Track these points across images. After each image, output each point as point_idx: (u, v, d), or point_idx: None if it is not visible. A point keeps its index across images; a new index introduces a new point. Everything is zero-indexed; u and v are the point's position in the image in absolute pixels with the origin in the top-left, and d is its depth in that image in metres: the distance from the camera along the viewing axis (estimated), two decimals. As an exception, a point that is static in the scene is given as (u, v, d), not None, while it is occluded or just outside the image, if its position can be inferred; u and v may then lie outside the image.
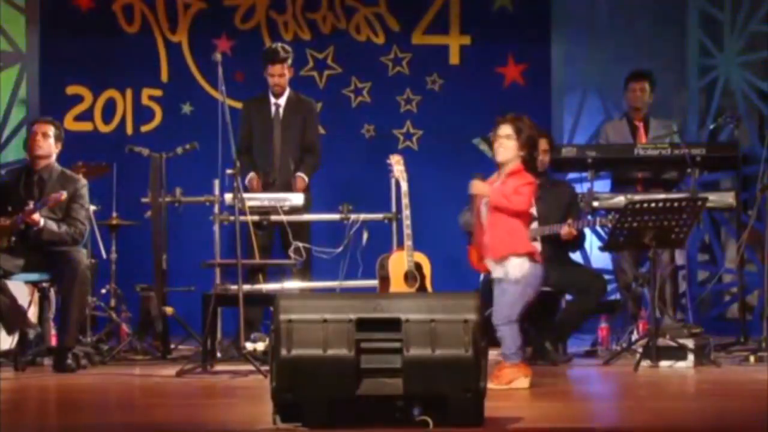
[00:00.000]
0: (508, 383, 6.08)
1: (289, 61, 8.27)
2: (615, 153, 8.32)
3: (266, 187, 8.15)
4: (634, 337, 7.68)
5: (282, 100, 8.33)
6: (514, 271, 6.13)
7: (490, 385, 5.62)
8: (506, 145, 6.19)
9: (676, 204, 7.14)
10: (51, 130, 7.35)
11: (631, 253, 8.19)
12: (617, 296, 8.54)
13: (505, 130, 6.20)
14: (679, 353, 7.08)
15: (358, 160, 9.56)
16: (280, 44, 8.36)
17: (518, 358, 6.17)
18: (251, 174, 8.20)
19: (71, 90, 9.62)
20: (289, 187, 8.06)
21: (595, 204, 8.04)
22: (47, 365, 7.21)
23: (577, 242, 7.71)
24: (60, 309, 7.20)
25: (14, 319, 7.15)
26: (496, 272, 6.21)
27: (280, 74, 8.22)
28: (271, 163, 8.25)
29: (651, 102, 8.67)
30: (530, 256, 6.17)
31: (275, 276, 7.79)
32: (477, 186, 6.30)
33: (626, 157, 8.21)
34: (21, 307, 7.23)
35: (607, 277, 8.15)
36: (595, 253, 9.10)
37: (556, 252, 7.53)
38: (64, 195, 7.13)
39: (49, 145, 7.35)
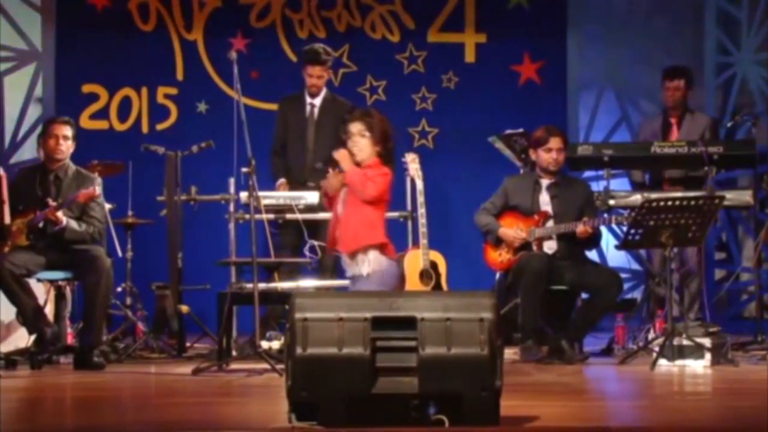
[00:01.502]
0: None
1: (329, 64, 8.29)
2: (632, 151, 8.27)
3: (298, 187, 8.12)
4: (651, 335, 7.65)
5: (318, 101, 8.33)
6: (367, 266, 5.99)
7: None
8: (360, 143, 6.09)
9: (692, 202, 7.10)
10: (69, 131, 7.36)
11: (656, 251, 8.11)
12: (633, 295, 8.49)
13: (357, 127, 6.11)
14: (696, 352, 7.04)
15: (374, 159, 9.51)
16: (322, 46, 8.34)
17: None
18: (281, 180, 8.20)
19: (87, 88, 9.67)
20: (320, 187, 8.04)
21: (612, 202, 8.01)
22: (63, 364, 7.23)
23: (593, 241, 7.65)
24: (85, 307, 7.20)
25: (37, 320, 7.16)
26: (350, 269, 6.07)
27: (318, 76, 8.24)
28: (304, 164, 8.25)
29: (687, 99, 8.61)
30: (383, 248, 6.00)
31: (301, 274, 7.79)
32: (342, 154, 6.16)
33: (643, 156, 8.15)
34: (40, 306, 7.25)
35: (623, 275, 8.10)
36: (611, 252, 9.06)
37: (572, 250, 7.51)
38: (97, 190, 7.16)
39: (68, 147, 7.37)
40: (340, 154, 6.12)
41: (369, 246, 6.00)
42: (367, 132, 6.08)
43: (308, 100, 8.33)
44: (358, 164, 6.23)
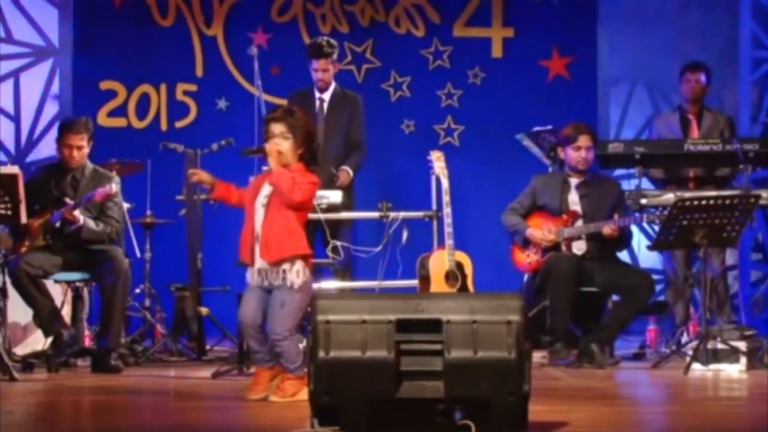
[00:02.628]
0: (292, 396, 5.69)
1: (334, 56, 8.21)
2: (664, 149, 8.16)
3: None
4: (684, 339, 7.59)
5: (327, 95, 8.26)
6: (294, 278, 5.68)
7: (276, 399, 5.59)
8: (283, 146, 5.72)
9: (727, 201, 7.03)
10: (84, 141, 7.32)
11: (682, 252, 8.07)
12: (666, 297, 8.39)
13: (279, 128, 5.73)
14: (731, 356, 6.99)
15: (398, 157, 9.53)
16: (324, 38, 8.29)
17: (302, 371, 5.65)
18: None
19: (105, 85, 9.66)
20: (332, 186, 7.97)
21: (643, 201, 7.93)
22: (81, 367, 7.21)
23: (624, 241, 7.60)
24: (102, 309, 7.19)
25: (53, 322, 7.15)
26: (272, 278, 5.69)
27: (324, 69, 8.16)
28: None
29: (706, 94, 8.54)
30: (307, 259, 5.74)
31: (316, 275, 7.69)
32: (272, 148, 5.72)
33: (676, 153, 8.04)
34: (56, 308, 7.24)
35: (655, 277, 8.03)
36: (643, 252, 9.02)
37: (602, 251, 7.46)
38: (114, 189, 7.14)
39: (82, 155, 7.35)
40: (270, 149, 5.72)
41: (297, 256, 5.72)
42: (290, 134, 5.72)
43: (317, 95, 8.26)
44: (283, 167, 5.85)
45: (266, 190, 5.72)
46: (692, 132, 8.39)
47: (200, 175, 6.00)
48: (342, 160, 8.16)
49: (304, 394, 5.49)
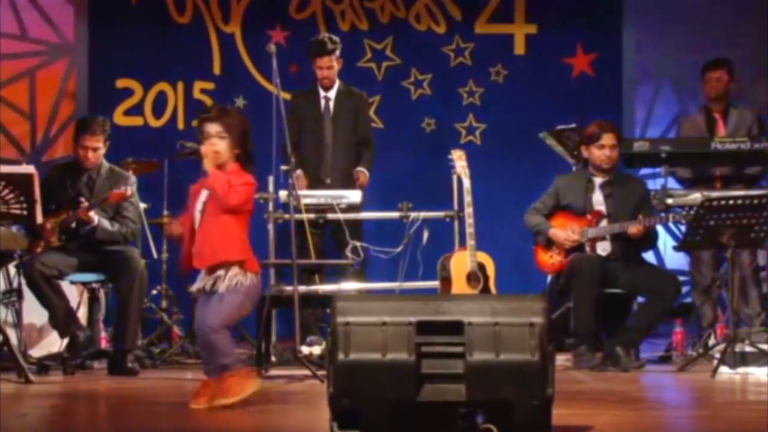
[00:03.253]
0: (240, 394, 5.51)
1: (338, 53, 8.17)
2: (690, 147, 8.12)
3: (315, 186, 8.06)
4: (711, 341, 7.56)
5: (332, 93, 8.23)
6: (225, 283, 5.50)
7: (223, 401, 5.39)
8: (219, 146, 5.56)
9: (756, 201, 6.97)
10: (100, 141, 7.32)
11: (709, 253, 8.02)
12: (693, 299, 8.32)
13: (215, 128, 5.56)
14: (759, 359, 7.00)
15: (418, 156, 9.51)
16: (326, 35, 8.26)
17: (239, 365, 5.57)
18: (298, 171, 8.04)
19: (121, 83, 9.67)
20: (344, 186, 7.95)
21: (669, 201, 7.90)
22: (97, 369, 7.23)
23: (649, 241, 7.56)
24: (118, 310, 7.19)
25: (68, 323, 7.16)
26: (207, 284, 5.53)
27: (328, 66, 8.12)
28: (323, 160, 8.16)
29: (730, 92, 8.48)
30: (243, 265, 5.56)
31: (332, 277, 7.75)
32: (208, 150, 5.56)
33: (702, 152, 7.99)
34: (72, 309, 7.24)
35: (681, 278, 7.97)
36: (669, 253, 8.97)
37: (627, 252, 7.43)
38: (129, 191, 7.14)
39: (98, 156, 7.35)
40: (206, 151, 5.55)
41: (228, 262, 5.55)
42: (226, 133, 5.55)
43: (322, 93, 8.23)
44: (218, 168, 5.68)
45: (204, 195, 5.57)
46: (719, 131, 8.34)
47: (173, 230, 5.80)
48: (352, 158, 8.15)
49: (252, 388, 5.47)
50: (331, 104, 8.21)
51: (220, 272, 5.48)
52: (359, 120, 8.24)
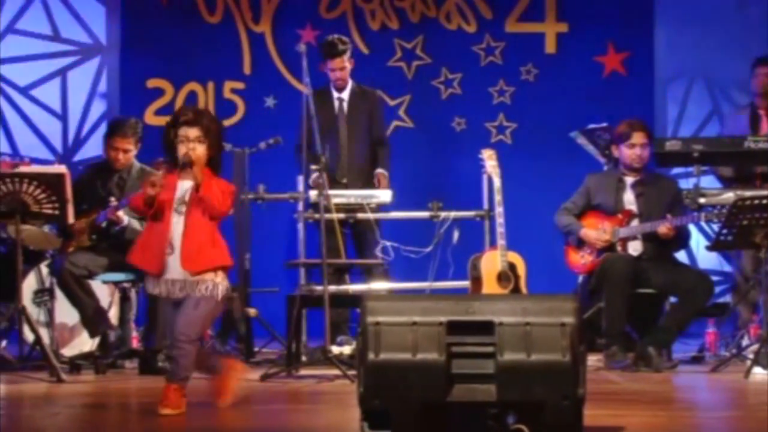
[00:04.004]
0: (181, 409, 5.37)
1: (349, 53, 8.11)
2: (724, 146, 8.02)
3: (332, 186, 7.90)
4: (745, 342, 7.49)
5: (345, 94, 8.18)
6: (215, 290, 5.38)
7: (166, 411, 5.27)
8: (199, 150, 5.36)
9: None
10: (131, 143, 7.34)
11: (750, 252, 7.88)
12: (725, 298, 8.26)
13: (194, 132, 5.37)
14: None
15: (449, 155, 9.51)
16: (336, 36, 8.18)
17: (186, 383, 5.43)
18: (316, 174, 7.97)
19: (152, 83, 9.69)
20: (361, 186, 7.92)
21: (702, 200, 7.81)
22: (129, 368, 7.22)
23: (681, 241, 7.50)
24: (149, 310, 7.17)
25: (98, 322, 7.17)
26: (190, 288, 5.37)
27: (340, 68, 8.07)
28: (339, 161, 8.10)
29: None
30: (226, 270, 5.47)
31: (355, 278, 7.73)
32: (199, 157, 5.34)
33: (736, 151, 7.89)
34: (103, 308, 7.25)
35: (714, 278, 7.96)
36: (701, 253, 8.91)
37: (659, 252, 7.37)
38: (122, 213, 7.15)
39: (128, 158, 7.37)
40: (198, 158, 5.35)
41: (220, 267, 5.44)
42: (205, 138, 5.38)
43: (335, 94, 8.17)
44: (182, 167, 5.45)
45: (181, 194, 5.39)
46: (762, 129, 8.25)
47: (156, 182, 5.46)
48: (368, 158, 8.11)
49: (183, 407, 5.36)
50: (345, 105, 8.16)
51: (208, 276, 5.36)
52: (374, 119, 8.20)
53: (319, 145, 6.98)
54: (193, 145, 5.33)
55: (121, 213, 7.11)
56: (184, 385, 5.39)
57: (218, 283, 5.38)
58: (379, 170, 8.06)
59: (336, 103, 8.15)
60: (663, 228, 7.23)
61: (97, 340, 7.27)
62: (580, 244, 7.46)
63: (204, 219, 5.37)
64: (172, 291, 5.37)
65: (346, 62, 8.07)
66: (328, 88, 8.16)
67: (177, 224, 5.35)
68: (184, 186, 5.37)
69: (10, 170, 7.10)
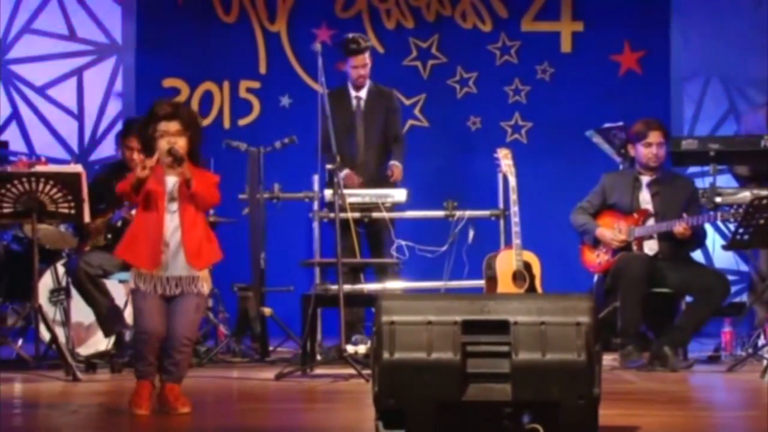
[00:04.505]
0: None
1: (369, 51, 8.14)
2: (740, 145, 7.99)
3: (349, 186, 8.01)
4: (761, 341, 7.44)
5: (363, 93, 8.19)
6: (208, 285, 5.37)
7: (184, 410, 5.25)
8: (181, 143, 5.28)
9: None
10: None
11: (767, 252, 7.90)
12: (741, 298, 8.21)
13: (175, 126, 5.28)
14: None
15: (464, 154, 9.50)
16: (358, 34, 8.20)
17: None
18: (346, 171, 7.97)
19: (167, 83, 9.70)
20: (374, 185, 7.89)
21: (718, 200, 7.78)
22: None
23: (697, 240, 7.47)
24: None
25: (112, 321, 7.15)
26: (185, 285, 5.29)
27: (363, 65, 8.08)
28: (356, 160, 8.11)
29: None
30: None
31: (369, 277, 7.72)
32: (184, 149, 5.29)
33: (752, 150, 7.86)
34: (118, 307, 7.23)
35: (731, 277, 7.88)
36: (717, 252, 8.82)
37: (675, 251, 7.34)
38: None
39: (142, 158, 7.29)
40: (184, 152, 5.29)
41: (215, 262, 5.46)
42: (186, 131, 5.31)
43: (353, 93, 8.18)
44: (170, 166, 5.37)
45: (170, 189, 5.32)
46: None
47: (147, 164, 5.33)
48: (383, 157, 8.10)
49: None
50: (362, 103, 8.17)
51: (204, 272, 5.35)
52: (390, 117, 8.20)
53: (335, 145, 6.98)
54: (174, 138, 5.27)
55: (134, 212, 7.09)
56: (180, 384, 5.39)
57: (207, 277, 5.37)
58: (393, 162, 8.06)
59: (354, 102, 8.16)
60: (679, 227, 7.19)
61: (112, 339, 7.26)
62: (596, 243, 7.44)
63: (198, 214, 5.35)
64: (167, 288, 5.30)
65: (367, 59, 8.09)
66: (346, 87, 8.17)
67: (170, 221, 5.31)
68: (171, 181, 5.32)
69: (27, 170, 7.12)
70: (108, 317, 7.11)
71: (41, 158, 7.75)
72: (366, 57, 8.07)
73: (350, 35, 8.18)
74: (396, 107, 8.30)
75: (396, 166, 8.03)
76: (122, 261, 7.03)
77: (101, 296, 7.09)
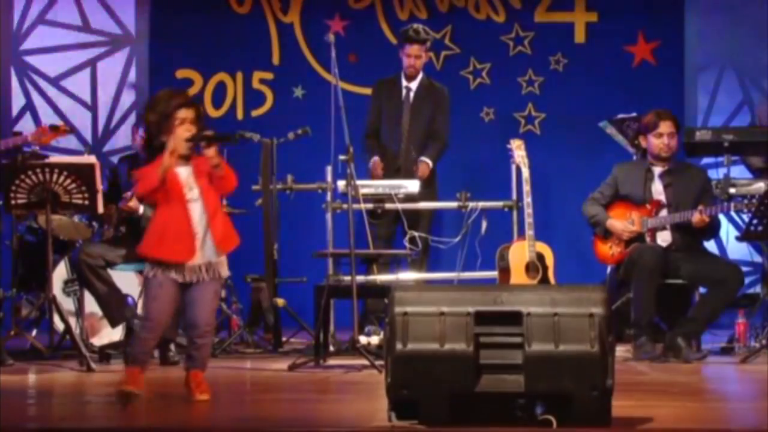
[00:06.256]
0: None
1: (428, 44, 8.20)
2: (754, 136, 7.97)
3: (391, 173, 8.04)
4: None
5: (414, 84, 8.23)
6: (226, 270, 5.41)
7: (203, 397, 5.28)
8: (193, 131, 5.31)
9: None
10: None
11: None
12: (755, 289, 8.20)
13: (191, 113, 5.31)
14: None
15: (477, 145, 9.46)
16: (421, 25, 8.25)
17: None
18: (375, 158, 8.09)
19: (181, 74, 9.70)
20: (410, 176, 7.92)
21: (732, 191, 7.76)
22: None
23: (711, 231, 7.45)
24: None
25: (117, 311, 7.12)
26: (209, 271, 5.33)
27: (416, 55, 8.14)
28: (399, 148, 8.17)
29: None
30: None
31: (393, 267, 7.71)
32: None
33: (766, 141, 7.86)
34: (122, 297, 7.20)
35: (744, 268, 7.87)
36: (731, 244, 8.81)
37: (688, 242, 7.33)
38: (133, 201, 7.10)
39: None
40: (182, 135, 5.30)
41: (237, 245, 5.47)
42: (198, 119, 5.35)
43: (404, 83, 8.23)
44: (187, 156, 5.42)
45: (190, 181, 5.34)
46: None
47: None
48: (420, 150, 8.12)
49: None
50: (412, 95, 8.21)
51: (224, 258, 5.39)
52: (437, 114, 8.21)
53: (347, 137, 6.97)
54: (189, 126, 5.29)
55: (133, 203, 7.04)
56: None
57: (224, 262, 5.41)
58: (423, 158, 8.07)
59: (403, 92, 8.22)
60: (697, 215, 7.17)
61: (121, 328, 7.22)
62: (608, 234, 7.42)
63: (217, 200, 5.42)
64: (192, 275, 5.32)
65: (422, 52, 8.13)
66: (398, 76, 8.23)
67: (194, 210, 5.32)
68: (184, 172, 5.33)
69: (47, 142, 7.32)
70: (111, 307, 7.08)
71: (61, 125, 7.72)
72: (421, 49, 8.12)
73: (415, 24, 8.26)
74: (445, 107, 8.29)
75: (424, 163, 8.05)
76: (126, 252, 7.05)
77: (103, 287, 7.04)
